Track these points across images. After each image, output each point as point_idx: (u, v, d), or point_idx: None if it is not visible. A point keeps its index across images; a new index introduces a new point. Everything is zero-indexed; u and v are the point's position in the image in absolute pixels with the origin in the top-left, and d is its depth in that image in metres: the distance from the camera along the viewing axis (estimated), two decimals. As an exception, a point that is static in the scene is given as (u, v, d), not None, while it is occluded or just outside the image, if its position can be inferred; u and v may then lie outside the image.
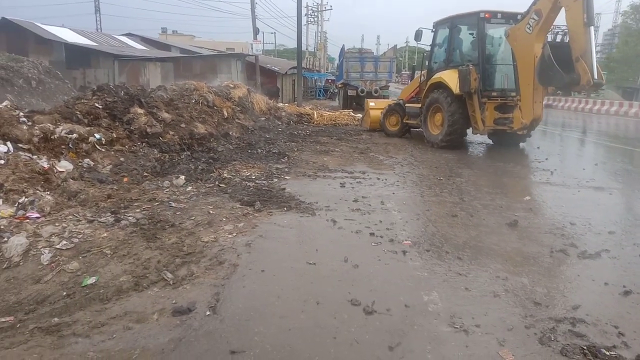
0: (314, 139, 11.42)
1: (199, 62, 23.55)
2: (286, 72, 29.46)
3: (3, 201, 4.53)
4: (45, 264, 3.57)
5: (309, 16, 49.43)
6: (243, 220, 4.75)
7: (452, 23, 10.36)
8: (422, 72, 11.45)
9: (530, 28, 8.52)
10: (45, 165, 5.36)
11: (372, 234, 4.43)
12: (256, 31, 24.90)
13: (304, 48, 29.55)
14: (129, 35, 33.04)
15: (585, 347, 2.55)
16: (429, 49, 11.33)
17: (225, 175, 6.70)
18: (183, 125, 8.79)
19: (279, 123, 14.04)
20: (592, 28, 7.74)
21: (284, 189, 6.11)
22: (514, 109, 9.32)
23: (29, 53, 19.29)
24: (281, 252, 3.99)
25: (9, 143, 5.54)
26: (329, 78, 36.33)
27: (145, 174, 6.49)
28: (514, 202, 5.79)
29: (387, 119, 12.49)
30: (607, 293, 3.31)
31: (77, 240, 4.02)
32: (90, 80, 19.14)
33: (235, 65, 23.83)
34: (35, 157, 5.53)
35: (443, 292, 3.24)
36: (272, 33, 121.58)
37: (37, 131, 6.07)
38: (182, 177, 6.26)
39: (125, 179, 6.15)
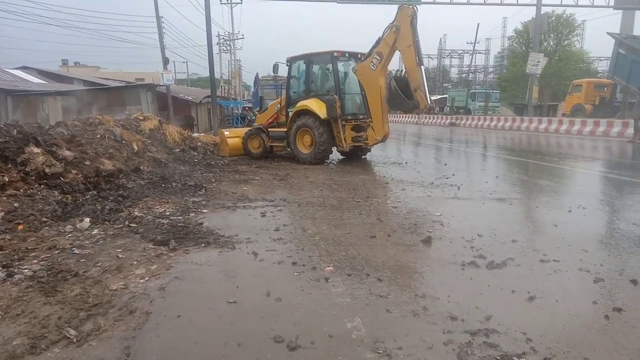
0: (233, 168, 11.24)
1: (105, 95, 22.25)
2: (200, 101, 28.90)
3: None
4: None
5: (221, 45, 49.26)
6: (156, 261, 4.46)
7: (308, 59, 12.23)
8: (280, 100, 13.34)
9: (374, 66, 10.96)
10: None
11: (294, 264, 4.38)
12: (166, 61, 24.28)
13: (218, 76, 29.29)
14: (23, 68, 30.56)
15: (498, 358, 2.68)
16: (286, 81, 13.12)
17: (137, 213, 6.30)
18: (88, 162, 8.17)
19: (195, 154, 13.62)
20: (422, 67, 10.48)
21: (202, 223, 5.88)
22: (366, 129, 11.70)
23: None
24: (199, 293, 3.78)
25: None
26: (245, 105, 36.27)
27: (45, 219, 5.89)
28: (427, 219, 6.08)
29: (250, 143, 13.60)
30: (514, 300, 3.54)
31: (-42, 303, 3.51)
32: (-23, 119, 17.25)
33: (145, 96, 22.88)
34: None
35: (366, 317, 3.25)
36: (183, 62, 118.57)
37: None
38: (87, 219, 5.78)
39: (20, 227, 5.53)
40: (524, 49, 46.72)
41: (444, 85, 75.82)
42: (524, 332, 3.00)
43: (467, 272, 4.15)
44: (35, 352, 2.88)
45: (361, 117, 11.88)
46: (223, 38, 48.98)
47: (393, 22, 10.66)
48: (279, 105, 13.25)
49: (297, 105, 12.11)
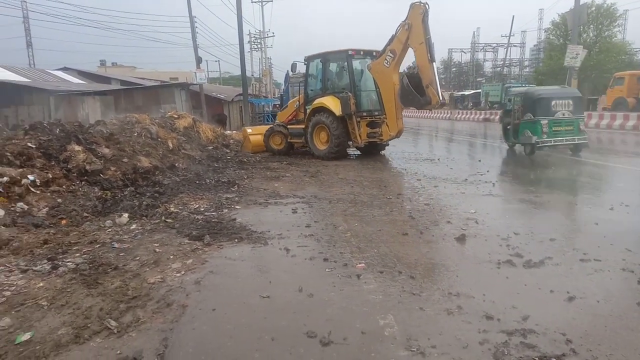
0: (264, 165, 11.36)
1: (141, 94, 22.93)
2: (232, 99, 29.33)
3: None
4: (-29, 324, 3.24)
5: (252, 43, 49.80)
6: (192, 256, 4.57)
7: (324, 58, 12.54)
8: (298, 98, 13.66)
9: (388, 63, 11.20)
10: (-29, 214, 4.94)
11: (325, 260, 4.39)
12: (199, 60, 24.74)
13: (249, 74, 29.66)
14: (64, 69, 31.80)
15: (536, 359, 2.61)
16: (304, 79, 13.49)
17: (172, 209, 6.47)
18: (125, 159, 8.45)
19: (227, 151, 13.87)
20: (434, 64, 10.62)
21: (235, 219, 5.98)
22: (381, 125, 11.94)
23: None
24: (233, 287, 3.85)
25: None
26: (276, 103, 36.51)
27: (86, 214, 6.14)
28: (461, 216, 5.97)
29: (272, 140, 13.89)
30: (553, 300, 3.43)
31: (8, 293, 3.70)
32: (23, 118, 18.10)
33: (180, 95, 23.43)
34: (-42, 205, 5.10)
35: (398, 314, 3.23)
36: (216, 61, 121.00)
37: (-39, 177, 5.62)
38: (126, 214, 5.98)
39: (63, 222, 5.79)
40: (561, 41, 45.00)
41: (477, 79, 74.01)
42: (563, 333, 2.91)
43: (503, 270, 4.05)
44: (78, 342, 3.01)
45: (376, 113, 12.16)
46: (254, 36, 49.57)
47: (405, 20, 10.80)
48: (298, 102, 13.63)
49: (314, 102, 12.48)
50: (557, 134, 11.30)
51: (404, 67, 11.77)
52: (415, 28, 10.58)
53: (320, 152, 12.36)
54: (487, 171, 9.56)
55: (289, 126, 13.69)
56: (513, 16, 67.04)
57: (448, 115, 39.93)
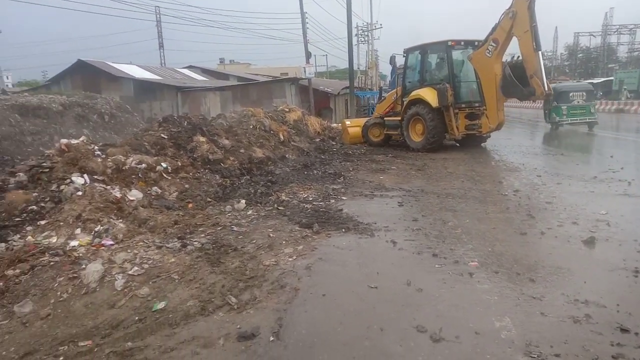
0: (369, 158, 11.36)
1: (255, 89, 24.41)
2: (339, 93, 29.77)
3: (81, 230, 4.86)
4: (119, 289, 3.76)
5: (359, 36, 49.88)
6: (302, 242, 4.77)
7: (423, 50, 12.41)
8: (396, 90, 13.52)
9: (490, 53, 10.80)
10: (118, 195, 5.71)
11: (434, 255, 4.28)
12: (308, 55, 25.49)
13: (355, 68, 29.84)
14: (190, 67, 35.03)
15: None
16: (402, 71, 13.36)
17: (283, 197, 6.80)
18: (242, 150, 9.09)
19: (334, 143, 14.15)
20: (539, 52, 10.21)
21: (341, 209, 6.09)
22: (481, 117, 11.61)
23: (102, 90, 20.96)
24: (341, 275, 3.94)
25: (85, 175, 5.98)
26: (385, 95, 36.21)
27: (209, 199, 6.74)
28: (589, 217, 5.37)
29: (370, 132, 14.00)
30: None
31: (147, 266, 4.21)
32: (156, 112, 20.39)
33: (290, 90, 24.44)
34: (108, 187, 5.91)
35: (516, 318, 3.03)
36: (323, 55, 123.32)
37: (110, 163, 6.52)
38: (243, 201, 6.43)
39: (190, 205, 6.42)
40: None
41: (609, 66, 65.45)
42: None
43: (641, 280, 3.58)
44: (204, 314, 3.33)
45: (476, 105, 11.84)
46: (361, 29, 49.59)
47: (510, 7, 10.35)
48: (396, 94, 13.56)
49: (411, 94, 12.40)
50: (574, 116, 16.19)
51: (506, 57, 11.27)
52: (520, 15, 10.13)
53: (416, 144, 12.20)
54: (622, 168, 8.45)
55: (385, 118, 13.68)
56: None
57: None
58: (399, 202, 6.48)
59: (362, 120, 15.10)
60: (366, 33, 49.32)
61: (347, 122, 15.42)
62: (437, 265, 4.05)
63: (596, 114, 16.65)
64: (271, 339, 2.92)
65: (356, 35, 48.41)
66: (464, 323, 3.00)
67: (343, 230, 5.19)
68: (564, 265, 3.96)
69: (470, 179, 8.10)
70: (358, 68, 50.04)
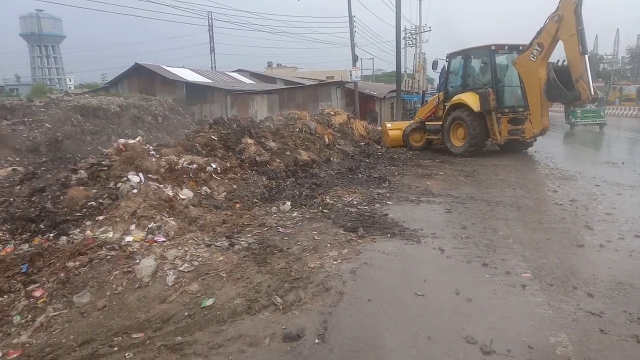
0: (415, 162, 11.18)
1: (301, 92, 24.68)
2: (385, 96, 29.55)
3: (136, 226, 5.09)
4: (170, 284, 3.89)
5: (407, 39, 49.27)
6: (347, 246, 4.75)
7: (466, 54, 12.41)
8: (439, 95, 13.45)
9: (535, 57, 10.66)
10: (170, 194, 5.92)
11: (485, 265, 4.14)
12: (355, 59, 25.47)
13: (402, 71, 29.45)
14: (239, 71, 35.93)
15: None
16: (445, 76, 13.27)
17: (328, 200, 6.80)
18: (288, 153, 9.20)
19: (378, 147, 14.03)
20: (586, 56, 10.05)
21: (387, 214, 6.02)
22: (524, 122, 11.51)
23: (156, 92, 21.87)
24: (387, 281, 3.89)
25: (140, 174, 6.24)
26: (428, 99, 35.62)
27: (255, 200, 6.86)
28: (654, 231, 5.02)
29: (411, 136, 13.84)
30: None
31: (197, 263, 4.33)
32: (206, 114, 21.06)
33: (335, 93, 24.51)
34: (161, 186, 6.15)
35: (573, 334, 2.88)
36: (370, 59, 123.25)
37: (164, 163, 6.78)
38: (288, 202, 6.50)
39: (237, 205, 6.56)
40: None
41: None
42: None
43: None
44: (250, 313, 3.39)
45: (519, 109, 11.68)
46: (409, 32, 49.02)
47: (555, 11, 10.24)
48: (438, 99, 13.51)
49: (452, 99, 12.31)
50: (587, 118, 20.60)
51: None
52: (566, 19, 10.01)
53: (457, 149, 12.03)
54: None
55: (426, 122, 13.56)
56: None
57: (635, 113, 33.90)
58: (446, 209, 6.33)
59: (403, 124, 15.03)
60: (414, 36, 48.68)
61: (388, 125, 15.40)
62: (487, 275, 3.92)
63: (605, 117, 21.00)
64: (316, 341, 2.93)
65: (404, 38, 47.87)
66: (517, 336, 2.88)
67: (388, 235, 5.12)
68: (626, 280, 3.72)
69: (522, 186, 7.79)
70: (405, 71, 49.42)
